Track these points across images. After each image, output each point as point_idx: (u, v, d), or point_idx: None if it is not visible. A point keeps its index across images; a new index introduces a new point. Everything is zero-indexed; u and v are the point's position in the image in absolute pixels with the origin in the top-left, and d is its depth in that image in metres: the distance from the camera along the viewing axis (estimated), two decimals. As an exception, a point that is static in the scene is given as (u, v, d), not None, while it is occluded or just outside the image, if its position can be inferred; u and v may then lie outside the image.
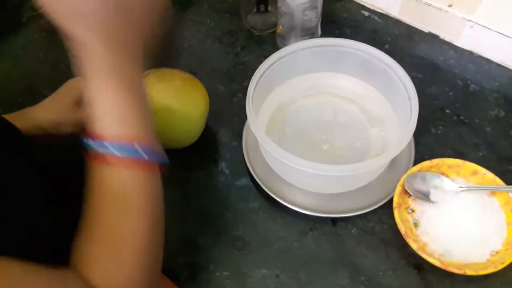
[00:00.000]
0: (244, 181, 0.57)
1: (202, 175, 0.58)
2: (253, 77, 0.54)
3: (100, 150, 0.33)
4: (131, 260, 0.35)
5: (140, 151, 0.34)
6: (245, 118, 0.61)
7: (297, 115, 0.60)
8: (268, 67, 0.55)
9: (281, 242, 0.51)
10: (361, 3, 0.74)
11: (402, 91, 0.52)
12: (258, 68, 0.55)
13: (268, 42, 0.71)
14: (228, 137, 0.61)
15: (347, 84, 0.60)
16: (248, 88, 0.53)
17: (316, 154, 0.57)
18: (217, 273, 0.49)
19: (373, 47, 0.55)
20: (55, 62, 0.71)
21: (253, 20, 0.71)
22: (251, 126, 0.51)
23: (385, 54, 0.54)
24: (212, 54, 0.70)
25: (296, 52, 0.56)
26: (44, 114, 0.53)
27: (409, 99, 0.50)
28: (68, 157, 0.43)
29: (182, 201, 0.55)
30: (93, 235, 0.35)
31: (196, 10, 0.76)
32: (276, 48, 0.70)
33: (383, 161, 0.47)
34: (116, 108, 0.34)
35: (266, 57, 0.68)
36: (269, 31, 0.72)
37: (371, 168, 0.47)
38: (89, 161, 0.34)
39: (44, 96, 0.55)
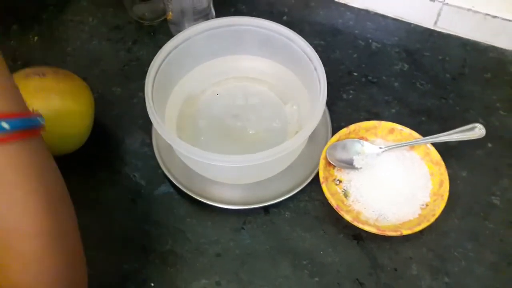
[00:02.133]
0: (164, 188, 0.52)
1: (114, 192, 0.52)
2: (148, 72, 0.49)
3: None
4: (23, 258, 0.29)
5: (6, 125, 0.29)
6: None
7: (208, 106, 0.56)
8: (164, 59, 0.50)
9: (215, 246, 0.48)
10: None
11: (307, 63, 0.50)
12: (152, 61, 0.49)
13: (161, 32, 0.65)
14: (136, 144, 0.55)
15: (251, 64, 0.57)
16: (145, 86, 0.48)
17: (235, 143, 0.53)
18: (151, 298, 0.45)
19: (270, 21, 0.52)
20: None
21: (140, 10, 0.65)
22: (156, 127, 0.46)
23: (283, 26, 0.51)
24: (101, 55, 0.63)
25: (191, 38, 0.52)
26: None
27: (315, 69, 0.48)
28: None
29: (95, 226, 0.49)
30: None
31: (75, 8, 0.68)
32: (171, 36, 0.64)
33: (299, 140, 0.45)
34: None
35: (160, 47, 0.63)
36: (160, 20, 0.66)
37: (289, 149, 0.45)
38: None
39: None
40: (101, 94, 0.59)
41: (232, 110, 0.56)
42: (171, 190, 0.52)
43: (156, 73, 0.49)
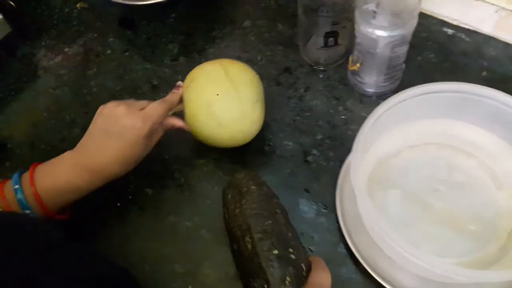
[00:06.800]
0: (345, 270, 0.44)
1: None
2: (357, 138, 0.41)
3: None
4: None
5: None
6: (327, 182, 0.49)
7: (402, 172, 0.48)
8: (374, 122, 0.43)
9: None
10: (441, 18, 0.61)
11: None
12: (361, 127, 0.42)
13: (336, 79, 0.58)
14: (312, 211, 0.48)
15: (464, 133, 0.47)
16: (352, 157, 0.41)
17: (432, 228, 0.44)
18: None
19: (505, 94, 0.42)
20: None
21: (316, 54, 0.58)
22: (363, 215, 0.38)
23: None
24: (271, 100, 0.56)
25: (405, 101, 0.44)
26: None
27: None
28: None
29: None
30: None
31: (242, 43, 0.63)
32: (347, 85, 0.57)
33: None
34: None
35: (337, 99, 0.56)
36: (335, 65, 0.59)
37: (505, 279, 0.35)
38: None
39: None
40: (272, 147, 0.53)
41: (431, 183, 0.47)
42: (355, 273, 0.44)
43: (363, 137, 0.42)
